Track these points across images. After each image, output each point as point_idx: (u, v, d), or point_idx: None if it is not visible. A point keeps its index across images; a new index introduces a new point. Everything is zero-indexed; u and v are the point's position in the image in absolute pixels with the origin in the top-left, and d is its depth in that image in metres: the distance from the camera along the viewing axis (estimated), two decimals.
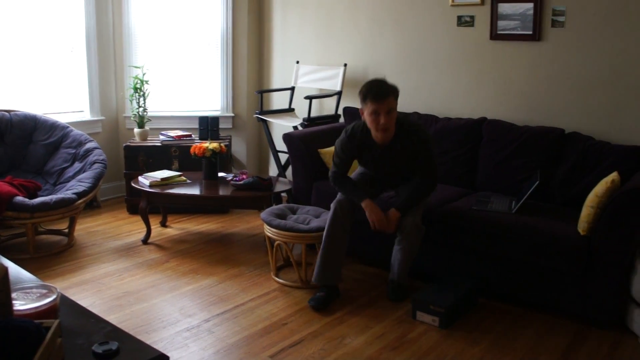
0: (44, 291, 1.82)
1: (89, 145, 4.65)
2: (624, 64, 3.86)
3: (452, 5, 4.52)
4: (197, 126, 5.36)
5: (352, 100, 5.14)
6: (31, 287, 1.84)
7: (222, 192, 4.29)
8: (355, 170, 3.82)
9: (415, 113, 4.55)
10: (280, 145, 4.84)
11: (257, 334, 3.14)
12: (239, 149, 5.82)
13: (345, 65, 5.10)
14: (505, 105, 4.37)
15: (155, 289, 3.68)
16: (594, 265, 3.18)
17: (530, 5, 4.12)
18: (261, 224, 4.34)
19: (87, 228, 4.77)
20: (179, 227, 4.88)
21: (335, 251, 3.48)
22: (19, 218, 3.97)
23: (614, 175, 3.24)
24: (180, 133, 5.29)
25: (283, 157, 5.32)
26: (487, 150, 4.13)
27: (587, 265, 3.20)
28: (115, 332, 1.77)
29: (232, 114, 5.77)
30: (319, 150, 4.34)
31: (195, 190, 4.35)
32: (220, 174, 4.60)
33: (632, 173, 3.49)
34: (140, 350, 1.69)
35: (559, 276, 3.30)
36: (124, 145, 5.17)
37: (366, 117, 3.36)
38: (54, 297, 1.78)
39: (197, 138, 5.31)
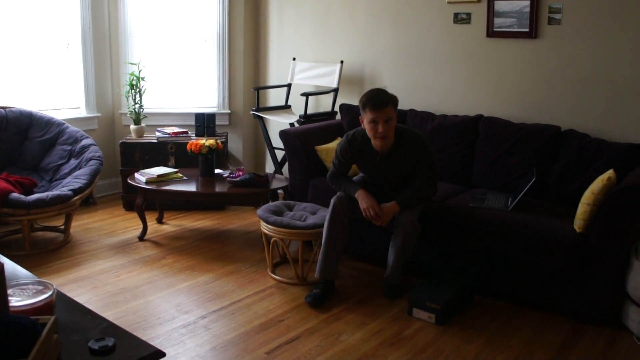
0: (40, 288, 1.81)
1: (84, 142, 4.63)
2: (620, 61, 3.86)
3: (448, 3, 4.52)
4: (193, 123, 5.35)
5: (348, 97, 5.14)
6: (27, 284, 1.83)
7: (219, 188, 4.29)
8: (356, 177, 3.83)
9: (412, 110, 4.55)
10: (277, 142, 4.83)
11: (254, 330, 3.14)
12: (236, 145, 5.81)
13: (342, 62, 5.09)
14: (502, 102, 4.37)
15: (151, 285, 3.67)
16: (589, 263, 3.19)
17: (527, 2, 4.12)
18: (257, 220, 4.33)
19: (83, 225, 4.75)
20: (175, 223, 4.87)
21: (335, 247, 3.49)
22: (14, 215, 3.95)
23: (610, 173, 3.24)
24: (176, 130, 5.28)
25: (279, 154, 5.31)
26: (483, 148, 4.13)
27: (583, 263, 3.20)
28: (111, 329, 1.77)
29: (229, 111, 5.76)
30: (316, 147, 4.34)
31: (191, 187, 4.34)
32: (217, 171, 4.59)
33: (628, 170, 3.49)
34: (136, 347, 1.68)
35: (554, 273, 3.30)
36: (120, 142, 5.16)
37: (365, 125, 3.41)
38: (50, 293, 1.78)
39: (194, 135, 5.30)
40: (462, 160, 4.21)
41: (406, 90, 4.73)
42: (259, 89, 5.51)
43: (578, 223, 3.23)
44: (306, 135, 4.40)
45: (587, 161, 3.72)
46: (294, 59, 5.44)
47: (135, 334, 1.90)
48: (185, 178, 4.48)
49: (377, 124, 3.32)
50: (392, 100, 3.39)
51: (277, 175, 4.71)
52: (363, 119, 3.42)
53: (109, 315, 3.17)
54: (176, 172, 4.50)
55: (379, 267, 3.89)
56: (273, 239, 3.75)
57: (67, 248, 4.26)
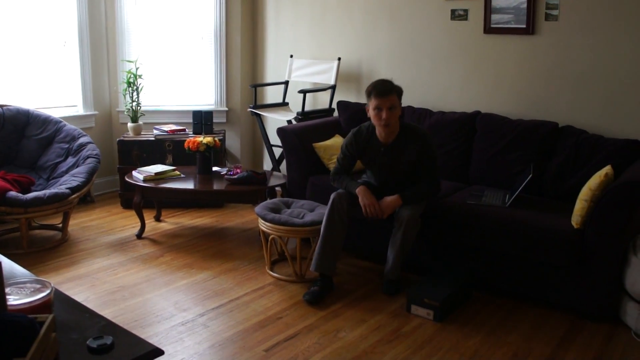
0: (38, 286, 1.80)
1: (82, 139, 4.62)
2: (617, 57, 3.86)
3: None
4: (191, 120, 5.33)
5: (346, 94, 5.13)
6: (25, 282, 1.83)
7: (216, 186, 4.28)
8: (359, 180, 3.83)
9: (409, 107, 4.54)
10: (274, 139, 4.83)
11: (252, 328, 3.14)
12: (233, 143, 5.81)
13: (339, 59, 5.09)
14: (499, 99, 4.37)
15: (149, 283, 3.67)
16: (587, 259, 3.19)
17: None
18: (255, 218, 4.33)
19: (80, 223, 4.75)
20: (173, 221, 4.87)
21: (333, 242, 3.49)
22: (12, 213, 3.95)
23: (607, 169, 3.24)
24: (174, 127, 5.26)
25: (277, 151, 5.31)
26: (480, 144, 4.13)
27: (580, 259, 3.20)
28: (109, 327, 1.76)
29: (226, 108, 5.75)
30: (313, 144, 4.34)
31: (189, 185, 4.33)
32: (215, 168, 4.59)
33: (625, 166, 3.50)
34: (134, 345, 1.68)
35: (552, 269, 3.31)
36: (117, 139, 5.15)
37: (370, 113, 3.48)
38: (48, 292, 1.77)
39: (191, 132, 5.28)
40: (460, 157, 4.21)
41: (403, 87, 4.63)
42: (257, 86, 5.51)
43: (575, 219, 3.24)
44: (304, 133, 4.39)
45: (584, 157, 3.72)
46: (291, 56, 5.43)
47: (134, 332, 1.90)
48: (183, 176, 4.47)
49: (381, 111, 3.40)
50: (397, 89, 3.48)
51: (275, 173, 4.70)
52: (368, 107, 3.49)
53: (107, 313, 3.17)
54: (174, 170, 4.50)
55: (378, 264, 3.90)
56: (271, 236, 3.74)
57: (65, 246, 4.25)
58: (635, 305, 3.12)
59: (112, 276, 3.76)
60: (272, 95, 5.70)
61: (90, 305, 2.63)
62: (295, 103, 5.31)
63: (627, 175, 3.24)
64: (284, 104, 5.45)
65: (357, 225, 3.69)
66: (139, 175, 4.39)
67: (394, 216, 3.50)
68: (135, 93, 5.20)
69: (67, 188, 4.16)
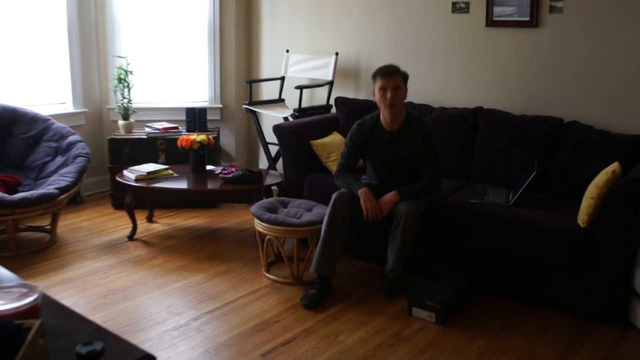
0: (25, 290, 1.80)
1: (71, 138, 4.60)
2: (624, 50, 3.86)
3: None
4: (184, 118, 5.33)
5: (343, 90, 5.13)
6: (11, 286, 1.82)
7: (211, 185, 4.27)
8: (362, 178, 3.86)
9: (410, 103, 4.53)
10: (270, 136, 4.82)
11: (248, 332, 3.13)
12: (228, 141, 5.80)
13: (337, 54, 5.08)
14: (502, 94, 4.37)
15: (141, 286, 3.65)
16: (594, 259, 3.18)
17: None
18: (251, 218, 4.32)
19: (70, 224, 4.73)
20: (166, 222, 4.86)
21: (333, 242, 3.49)
22: None
23: (614, 166, 3.24)
24: (166, 125, 5.25)
25: (273, 149, 5.30)
26: (483, 141, 4.12)
27: (587, 259, 3.20)
28: (99, 332, 1.76)
29: (220, 105, 5.74)
30: (311, 141, 4.33)
31: (182, 184, 4.32)
32: (209, 167, 4.58)
33: (633, 163, 3.49)
34: (126, 351, 1.67)
35: (558, 270, 3.30)
36: (108, 138, 5.13)
37: (375, 95, 3.57)
38: (35, 296, 1.76)
39: (184, 130, 5.28)
40: (461, 155, 4.21)
41: None
42: (252, 82, 5.50)
43: (582, 218, 3.23)
44: (301, 130, 4.39)
45: (590, 153, 3.71)
46: (287, 50, 5.42)
47: (125, 337, 1.89)
48: (176, 175, 4.46)
49: (386, 91, 3.48)
50: (403, 73, 3.58)
51: (271, 171, 4.70)
52: (374, 91, 3.58)
53: (97, 318, 3.16)
54: (166, 169, 4.49)
55: (378, 264, 3.90)
56: (267, 237, 3.73)
57: (54, 249, 4.23)
58: None
59: (103, 279, 3.74)
60: (268, 91, 5.69)
61: (79, 309, 2.62)
62: (291, 99, 5.29)
63: (636, 172, 3.23)
64: (280, 101, 5.44)
65: (356, 224, 3.68)
66: (130, 174, 4.37)
67: (392, 212, 3.50)
68: (126, 90, 5.19)
69: (55, 188, 4.14)
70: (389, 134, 3.59)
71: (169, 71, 5.62)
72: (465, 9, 4.44)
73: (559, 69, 4.11)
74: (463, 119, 4.23)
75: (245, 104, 5.34)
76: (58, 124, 4.72)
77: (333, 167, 4.23)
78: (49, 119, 4.73)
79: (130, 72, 5.19)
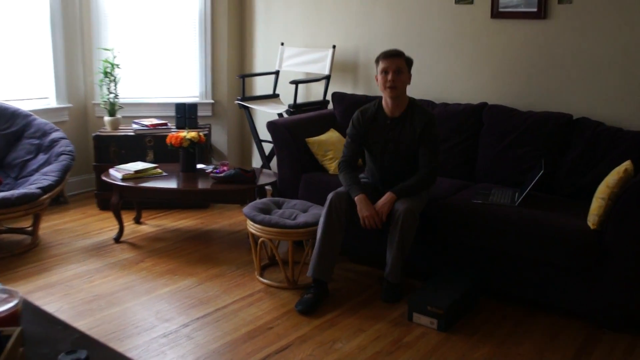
0: (4, 296, 1.80)
1: (54, 135, 4.60)
2: (637, 42, 3.86)
3: None
4: (173, 114, 5.33)
5: (341, 85, 5.12)
6: None
7: (201, 185, 4.27)
8: (361, 175, 3.88)
9: (410, 99, 4.53)
10: (264, 134, 4.81)
11: (241, 339, 3.12)
12: (220, 138, 5.80)
13: (334, 47, 5.07)
14: (508, 89, 4.37)
15: (128, 291, 3.65)
16: (605, 262, 3.18)
17: None
18: (244, 219, 4.32)
19: (53, 226, 4.72)
20: (154, 223, 4.85)
21: (330, 245, 3.49)
22: None
23: (627, 164, 3.24)
24: (155, 121, 5.25)
25: (267, 147, 5.31)
26: (487, 139, 4.13)
27: (597, 262, 3.20)
28: (84, 340, 1.76)
29: (212, 101, 5.74)
30: (306, 139, 4.33)
31: (172, 184, 4.32)
32: (199, 166, 4.58)
33: None
34: (112, 359, 1.67)
35: (567, 273, 3.30)
36: (93, 135, 5.12)
37: (378, 78, 3.64)
38: (15, 302, 1.77)
39: (174, 127, 5.28)
40: (465, 153, 4.21)
41: None
42: (245, 76, 5.50)
43: (592, 219, 3.23)
44: (296, 127, 4.38)
45: (601, 151, 3.72)
46: (282, 43, 5.42)
47: (111, 345, 1.89)
48: (165, 174, 4.46)
49: (388, 74, 3.55)
50: (406, 57, 3.64)
51: (265, 170, 4.70)
52: (377, 75, 3.64)
53: (81, 325, 3.15)
54: (155, 168, 4.49)
55: (376, 268, 3.90)
56: (261, 239, 3.73)
57: (36, 252, 4.22)
58: None
59: (88, 284, 3.74)
60: (262, 86, 5.70)
61: (62, 316, 2.62)
62: (286, 95, 5.30)
63: None
64: (274, 96, 5.44)
65: (353, 226, 3.67)
66: (117, 173, 4.37)
67: (390, 213, 3.50)
68: (112, 84, 5.18)
69: (37, 188, 4.13)
70: (390, 119, 3.64)
71: (158, 65, 5.61)
72: (470, 0, 4.44)
73: (568, 63, 4.11)
74: (467, 116, 4.23)
75: (238, 100, 5.33)
76: (40, 120, 4.71)
77: (330, 165, 4.23)
78: (31, 115, 4.72)
79: (117, 66, 5.18)
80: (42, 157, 4.50)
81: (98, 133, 5.10)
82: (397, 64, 3.56)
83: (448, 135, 4.22)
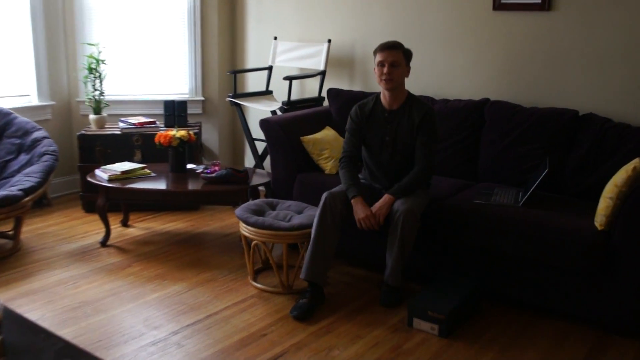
0: None
1: (36, 134, 4.58)
2: None
3: None
4: (162, 112, 5.32)
5: (337, 81, 5.12)
6: None
7: (192, 186, 4.26)
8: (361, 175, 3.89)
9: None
10: (257, 132, 4.81)
11: (233, 346, 3.12)
12: (210, 137, 5.79)
13: (330, 41, 5.07)
14: (510, 84, 4.37)
15: (115, 297, 3.64)
16: (613, 264, 3.18)
17: None
18: (236, 221, 4.32)
19: (35, 229, 4.71)
20: (142, 226, 4.85)
21: (324, 247, 3.50)
22: None
23: (635, 162, 3.24)
24: (142, 120, 5.25)
25: (260, 146, 5.30)
26: (490, 136, 4.13)
27: (605, 264, 3.20)
28: (68, 349, 1.75)
29: (202, 98, 5.73)
30: (301, 137, 4.32)
31: (160, 185, 4.31)
32: (189, 166, 4.58)
33: None
34: None
35: (574, 277, 3.30)
36: (78, 134, 5.11)
37: (375, 70, 3.68)
38: None
39: (162, 125, 5.27)
40: (466, 151, 4.21)
41: None
42: (236, 72, 5.49)
43: (599, 219, 3.23)
44: (290, 125, 4.38)
45: (609, 149, 3.72)
46: (275, 38, 5.41)
47: (97, 354, 1.88)
48: (153, 174, 4.45)
49: (384, 67, 3.60)
50: (404, 49, 3.67)
51: (258, 170, 4.70)
52: (375, 68, 3.68)
53: (66, 333, 3.15)
54: (143, 168, 4.48)
55: (375, 272, 3.90)
56: (254, 242, 3.73)
57: (17, 257, 4.21)
58: None
59: (73, 290, 3.72)
60: (254, 82, 5.69)
61: (46, 324, 2.61)
62: (280, 91, 5.29)
63: None
64: (267, 93, 5.44)
65: (350, 227, 3.67)
66: (103, 174, 4.35)
67: (390, 214, 3.51)
68: (97, 81, 5.18)
69: (19, 190, 4.12)
70: (388, 112, 3.69)
71: (146, 60, 5.61)
72: None
73: (573, 57, 4.11)
74: (468, 112, 4.23)
75: (230, 97, 5.33)
76: (22, 118, 4.70)
77: (325, 165, 4.23)
78: (11, 113, 4.71)
79: (102, 61, 5.17)
80: (23, 158, 4.49)
81: (83, 132, 5.09)
82: (393, 57, 3.60)
83: (449, 132, 4.22)
